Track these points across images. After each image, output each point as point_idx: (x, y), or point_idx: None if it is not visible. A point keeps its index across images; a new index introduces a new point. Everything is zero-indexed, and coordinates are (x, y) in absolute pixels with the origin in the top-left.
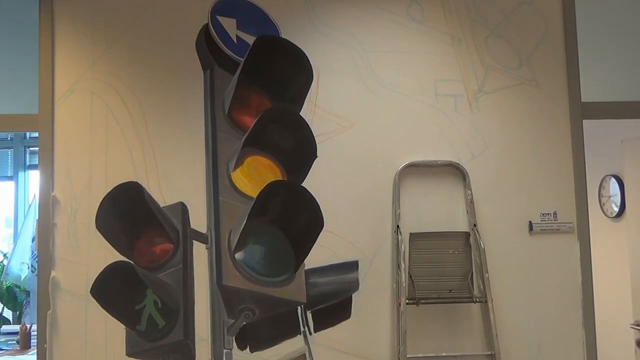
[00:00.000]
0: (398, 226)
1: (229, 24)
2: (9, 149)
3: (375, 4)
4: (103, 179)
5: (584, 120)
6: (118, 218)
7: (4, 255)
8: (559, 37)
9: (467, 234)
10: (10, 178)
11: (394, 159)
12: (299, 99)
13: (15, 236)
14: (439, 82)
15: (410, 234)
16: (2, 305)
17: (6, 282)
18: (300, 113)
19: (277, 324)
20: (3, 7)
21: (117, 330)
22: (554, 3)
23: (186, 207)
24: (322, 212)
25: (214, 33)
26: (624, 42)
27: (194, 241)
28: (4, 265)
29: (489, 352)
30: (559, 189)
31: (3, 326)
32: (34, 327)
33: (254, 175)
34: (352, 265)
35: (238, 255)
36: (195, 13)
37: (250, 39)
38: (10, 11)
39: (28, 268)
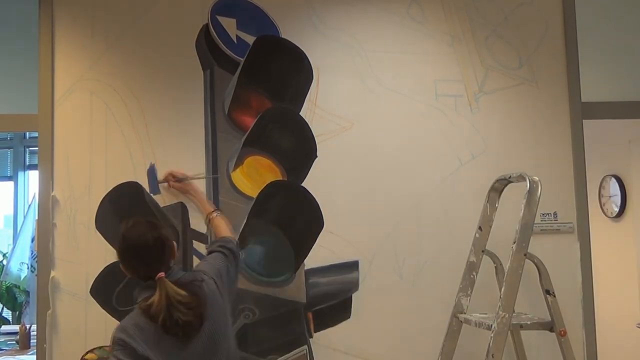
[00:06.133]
0: None
1: (229, 24)
2: (9, 148)
3: (375, 4)
4: (103, 179)
5: (584, 121)
6: (118, 218)
7: (4, 255)
8: (559, 37)
9: None
10: (9, 178)
11: (394, 159)
12: (299, 99)
13: (15, 236)
14: (439, 82)
15: None
16: (1, 306)
17: (6, 282)
18: (300, 113)
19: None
20: (2, 7)
21: None
22: (554, 3)
23: (186, 207)
24: (322, 212)
25: (214, 33)
26: (623, 42)
27: (193, 241)
28: (3, 265)
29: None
30: (559, 189)
31: (2, 326)
32: (34, 327)
33: (253, 175)
34: (352, 266)
35: None
36: (195, 13)
37: (250, 39)
38: (10, 11)
39: (27, 268)
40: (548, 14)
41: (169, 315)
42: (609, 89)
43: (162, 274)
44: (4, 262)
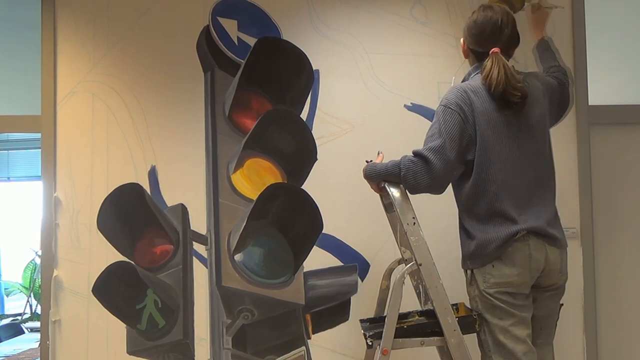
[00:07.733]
0: None
1: (230, 26)
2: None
3: (378, 5)
4: (104, 180)
5: None
6: (119, 219)
7: (37, 253)
8: (567, 39)
9: None
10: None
11: None
12: (300, 101)
13: None
14: (442, 84)
15: None
16: (36, 303)
17: (39, 279)
18: (300, 115)
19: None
20: (5, 9)
21: (118, 329)
22: (563, 4)
23: (186, 208)
24: (322, 214)
25: (215, 34)
26: (632, 43)
27: (193, 242)
28: (37, 264)
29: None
30: (563, 195)
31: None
32: None
33: (253, 178)
34: (351, 268)
35: (237, 257)
36: (196, 14)
37: (251, 41)
38: (12, 13)
39: None
40: (556, 15)
41: (507, 82)
42: (619, 93)
43: (497, 49)
44: (38, 259)
